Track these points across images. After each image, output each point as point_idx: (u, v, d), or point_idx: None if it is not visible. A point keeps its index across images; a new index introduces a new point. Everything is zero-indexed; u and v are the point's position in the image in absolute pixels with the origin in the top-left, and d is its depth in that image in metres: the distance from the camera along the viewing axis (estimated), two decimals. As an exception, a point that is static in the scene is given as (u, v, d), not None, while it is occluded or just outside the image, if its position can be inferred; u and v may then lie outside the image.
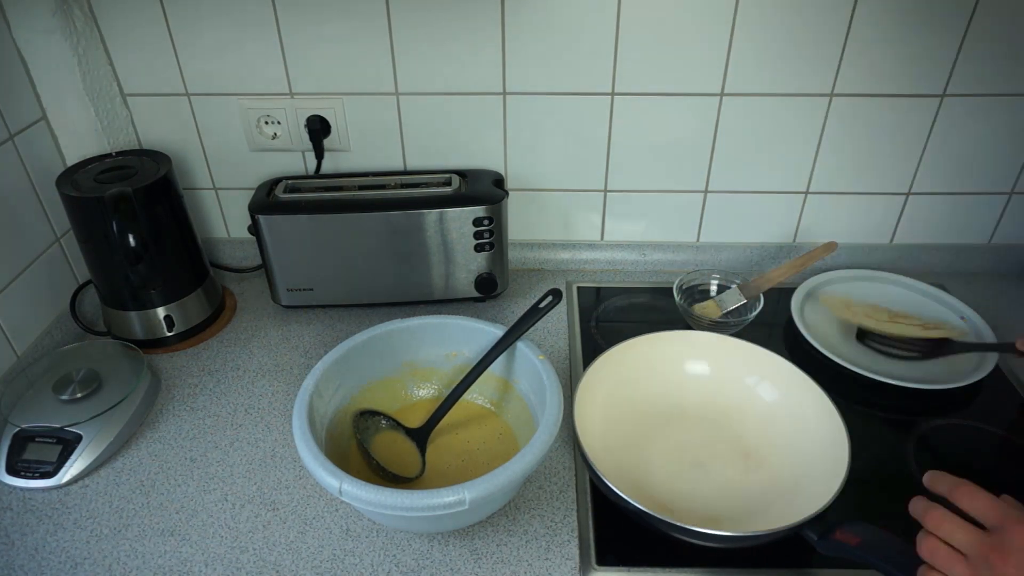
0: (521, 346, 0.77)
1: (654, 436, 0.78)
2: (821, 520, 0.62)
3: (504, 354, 0.78)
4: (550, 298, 0.79)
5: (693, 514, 0.70)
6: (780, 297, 1.02)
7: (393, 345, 0.81)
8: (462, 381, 0.78)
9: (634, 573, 0.68)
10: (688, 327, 0.97)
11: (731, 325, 0.94)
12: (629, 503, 0.63)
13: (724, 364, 0.83)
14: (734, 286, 0.98)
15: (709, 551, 0.69)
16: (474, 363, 0.79)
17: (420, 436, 0.78)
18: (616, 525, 0.72)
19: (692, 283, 1.01)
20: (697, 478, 0.74)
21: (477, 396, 0.83)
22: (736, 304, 0.96)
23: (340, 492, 0.61)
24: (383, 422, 0.79)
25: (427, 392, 0.84)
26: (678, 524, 0.62)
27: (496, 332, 0.78)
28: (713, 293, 1.00)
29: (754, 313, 0.94)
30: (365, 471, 0.75)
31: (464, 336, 0.81)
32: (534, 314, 0.78)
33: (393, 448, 0.77)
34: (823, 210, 1.07)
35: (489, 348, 0.78)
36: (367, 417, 0.78)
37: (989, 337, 0.92)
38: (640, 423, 0.80)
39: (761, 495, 0.72)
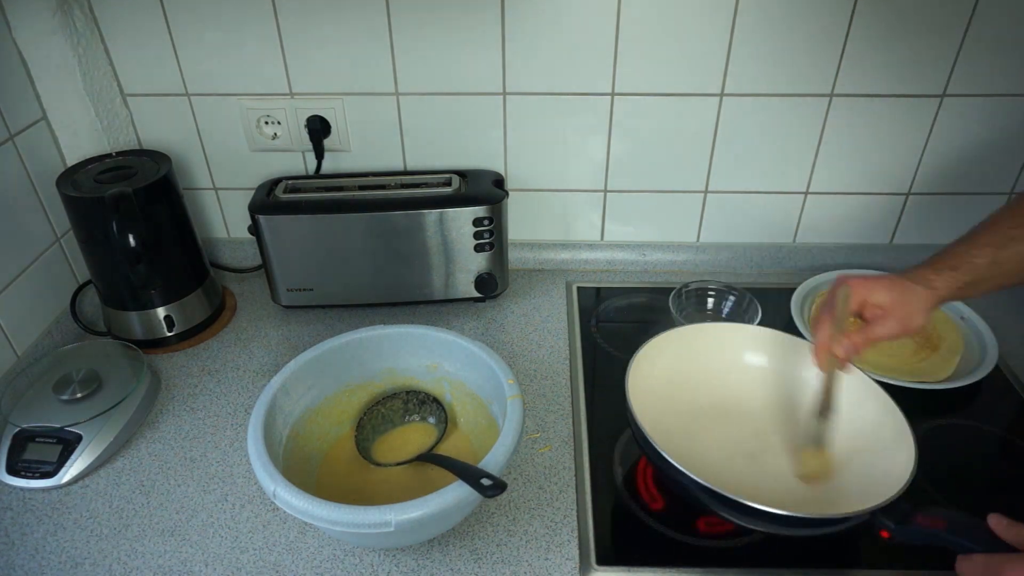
0: (499, 374, 0.73)
1: (709, 425, 0.76)
2: (894, 508, 0.60)
3: (486, 377, 0.76)
4: (494, 487, 0.61)
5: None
6: (780, 297, 1.02)
7: (373, 351, 0.79)
8: (433, 456, 0.75)
9: (634, 573, 0.68)
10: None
11: None
12: (697, 481, 0.61)
13: (783, 358, 0.81)
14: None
15: (711, 551, 0.69)
16: (454, 377, 0.80)
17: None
18: (616, 525, 0.72)
19: (691, 291, 1.00)
20: (751, 470, 0.72)
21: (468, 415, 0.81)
22: None
23: (274, 496, 0.60)
24: (408, 417, 0.80)
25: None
26: (752, 505, 0.59)
27: (475, 350, 0.76)
28: (711, 303, 1.00)
29: (754, 322, 0.93)
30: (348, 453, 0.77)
31: (444, 349, 0.79)
32: (480, 489, 0.61)
33: (401, 436, 0.79)
34: (823, 210, 1.07)
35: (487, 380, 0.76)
36: (402, 399, 0.80)
37: (989, 337, 0.92)
38: (695, 411, 0.78)
39: (817, 488, 0.69)
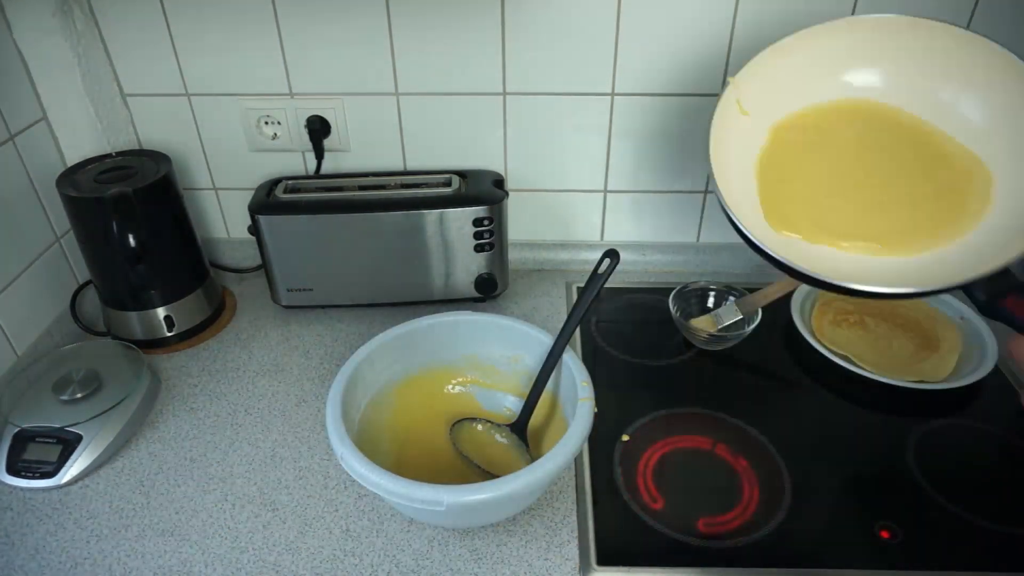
0: (576, 375, 0.74)
1: (814, 159, 0.68)
2: (991, 282, 0.55)
3: (563, 376, 0.77)
4: (607, 260, 0.74)
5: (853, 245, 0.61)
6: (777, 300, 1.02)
7: (460, 335, 0.82)
8: (543, 367, 0.77)
9: (634, 573, 0.68)
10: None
11: (729, 339, 0.93)
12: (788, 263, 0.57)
13: (906, 71, 0.65)
14: (731, 300, 0.97)
15: (711, 551, 0.69)
16: (533, 371, 0.78)
17: (518, 430, 0.78)
18: (616, 525, 0.72)
19: (690, 291, 0.99)
20: (868, 200, 0.64)
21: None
22: (732, 320, 0.94)
23: (341, 457, 0.65)
24: (479, 426, 0.80)
25: (482, 387, 0.84)
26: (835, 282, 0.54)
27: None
28: (711, 303, 0.99)
29: (752, 326, 0.93)
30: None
31: (527, 342, 0.80)
32: (596, 280, 0.75)
33: (490, 450, 0.78)
34: (823, 210, 1.07)
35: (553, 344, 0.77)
36: (463, 424, 0.80)
37: (989, 337, 0.92)
38: (795, 150, 0.68)
39: (935, 237, 0.62)
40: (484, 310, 1.03)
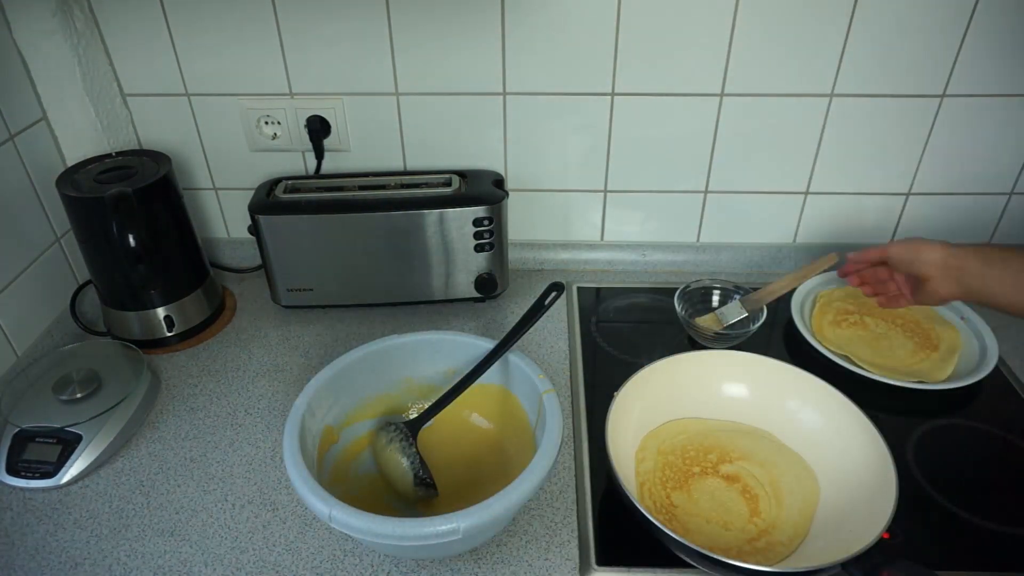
0: (524, 368, 0.73)
1: (690, 458, 0.76)
2: (865, 558, 0.59)
3: (506, 372, 0.76)
4: (554, 293, 0.77)
5: (729, 541, 0.68)
6: (781, 297, 1.02)
7: (390, 361, 0.78)
8: (470, 372, 0.75)
9: (634, 573, 0.68)
10: (691, 338, 0.97)
11: (734, 336, 0.93)
12: (663, 531, 0.62)
13: (764, 387, 0.80)
14: (736, 299, 0.96)
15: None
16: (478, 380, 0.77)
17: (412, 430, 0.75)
18: (616, 525, 0.72)
19: (694, 290, 0.99)
20: (734, 503, 0.72)
21: (476, 415, 0.81)
22: (738, 318, 0.94)
23: (330, 519, 0.58)
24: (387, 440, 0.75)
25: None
26: (713, 556, 0.60)
27: (492, 349, 0.76)
28: (716, 301, 0.99)
29: (757, 324, 0.93)
30: (375, 487, 0.74)
31: (462, 352, 0.77)
32: (539, 310, 0.76)
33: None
34: (823, 210, 1.07)
35: (489, 354, 0.76)
36: (385, 431, 0.75)
37: (989, 337, 0.92)
38: (676, 445, 0.78)
39: (798, 525, 0.69)
40: (484, 310, 1.03)
